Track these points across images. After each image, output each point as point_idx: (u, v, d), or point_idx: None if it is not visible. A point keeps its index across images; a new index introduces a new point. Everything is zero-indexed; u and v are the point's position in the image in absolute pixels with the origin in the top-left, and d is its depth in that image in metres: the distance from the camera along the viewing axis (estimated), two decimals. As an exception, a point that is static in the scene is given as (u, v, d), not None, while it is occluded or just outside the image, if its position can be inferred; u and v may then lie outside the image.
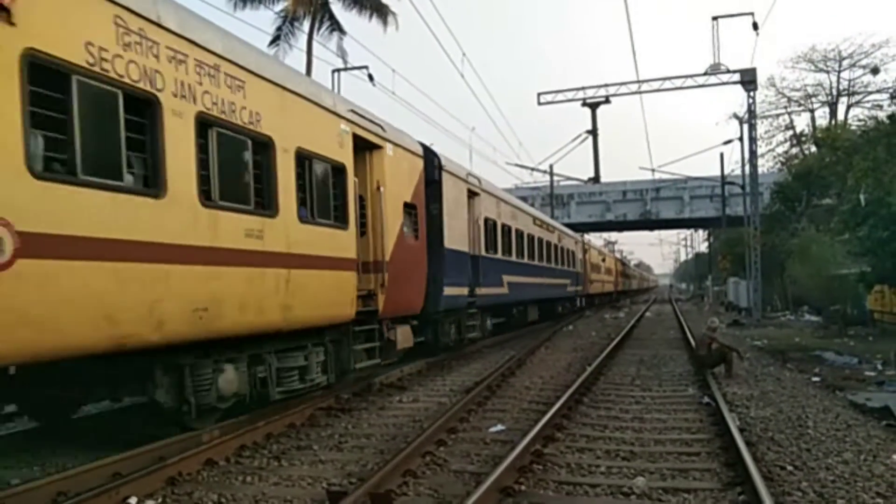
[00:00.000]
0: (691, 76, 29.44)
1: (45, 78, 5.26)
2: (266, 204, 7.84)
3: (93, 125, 5.66)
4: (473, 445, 7.52)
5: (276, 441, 7.76)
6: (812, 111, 47.32)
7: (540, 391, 11.05)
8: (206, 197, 6.89)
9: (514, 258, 19.88)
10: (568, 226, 36.20)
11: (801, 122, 50.44)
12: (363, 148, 10.51)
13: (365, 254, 10.46)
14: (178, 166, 6.48)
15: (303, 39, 29.71)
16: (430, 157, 13.48)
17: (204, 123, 6.88)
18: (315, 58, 29.24)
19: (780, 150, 46.62)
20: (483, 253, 16.43)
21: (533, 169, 41.01)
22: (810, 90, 46.54)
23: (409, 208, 11.99)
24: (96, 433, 8.03)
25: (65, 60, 5.38)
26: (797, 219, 35.01)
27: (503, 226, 18.65)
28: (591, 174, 30.00)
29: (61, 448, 7.28)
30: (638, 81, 29.81)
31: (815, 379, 12.38)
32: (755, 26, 27.24)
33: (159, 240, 6.23)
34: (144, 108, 6.21)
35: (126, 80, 5.92)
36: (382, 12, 29.67)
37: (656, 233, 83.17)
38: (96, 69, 5.63)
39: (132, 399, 8.40)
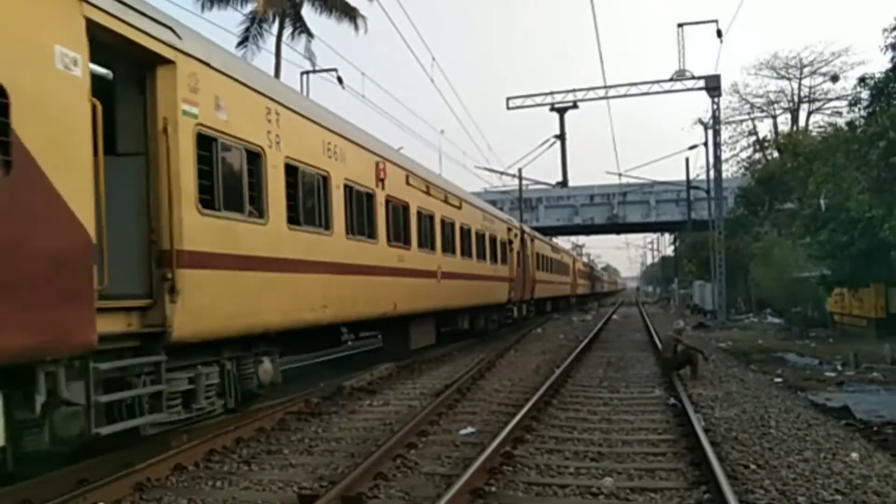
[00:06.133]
0: (657, 82, 29.93)
1: None
2: None
3: None
4: (444, 448, 7.56)
5: (245, 445, 7.70)
6: (774, 117, 48.35)
7: (509, 393, 11.13)
8: None
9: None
10: (537, 230, 35.80)
11: (764, 128, 51.22)
12: None
13: None
14: None
15: (271, 41, 29.56)
16: None
17: None
18: (283, 60, 29.11)
19: (744, 155, 47.46)
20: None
21: (502, 173, 41.07)
22: (773, 97, 47.52)
23: None
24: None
25: None
26: (760, 223, 35.70)
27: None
28: (559, 178, 30.23)
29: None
30: (605, 87, 30.21)
31: (778, 380, 12.70)
32: (719, 34, 27.86)
33: None
34: None
35: None
36: (352, 16, 29.65)
37: (623, 236, 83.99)
38: None
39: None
